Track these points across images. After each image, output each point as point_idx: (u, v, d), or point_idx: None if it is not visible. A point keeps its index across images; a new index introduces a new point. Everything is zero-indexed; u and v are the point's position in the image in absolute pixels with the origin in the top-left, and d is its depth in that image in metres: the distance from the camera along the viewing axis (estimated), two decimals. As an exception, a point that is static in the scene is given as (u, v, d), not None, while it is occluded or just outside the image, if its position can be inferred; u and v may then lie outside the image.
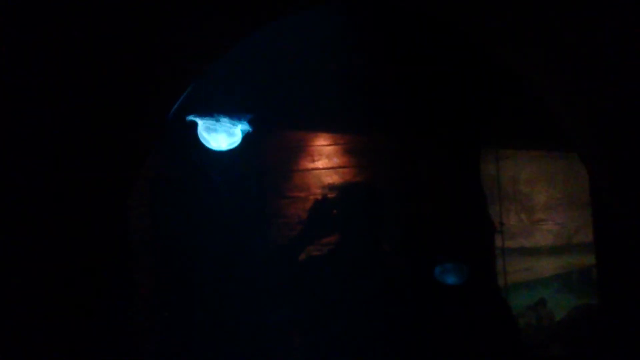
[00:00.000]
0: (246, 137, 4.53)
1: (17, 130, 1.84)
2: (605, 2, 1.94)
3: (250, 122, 3.94)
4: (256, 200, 4.63)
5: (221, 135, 3.90)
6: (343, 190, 4.68)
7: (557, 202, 5.54)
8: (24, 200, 1.89)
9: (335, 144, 4.65)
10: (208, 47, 2.44)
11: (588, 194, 4.36)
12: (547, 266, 5.38)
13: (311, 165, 4.66)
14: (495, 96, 4.63)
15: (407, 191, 4.66)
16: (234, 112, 3.93)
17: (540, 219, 5.57)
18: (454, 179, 4.73)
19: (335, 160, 4.66)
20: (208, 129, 3.85)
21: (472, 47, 4.32)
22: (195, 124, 3.87)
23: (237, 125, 3.90)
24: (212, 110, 3.87)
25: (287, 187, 4.65)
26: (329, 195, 4.65)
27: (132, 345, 4.25)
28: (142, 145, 2.42)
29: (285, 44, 4.20)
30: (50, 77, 1.87)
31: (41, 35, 1.81)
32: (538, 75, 2.44)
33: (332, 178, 4.65)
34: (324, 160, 4.66)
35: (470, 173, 4.84)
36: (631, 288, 2.50)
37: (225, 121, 3.84)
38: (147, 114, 2.38)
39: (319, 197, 4.64)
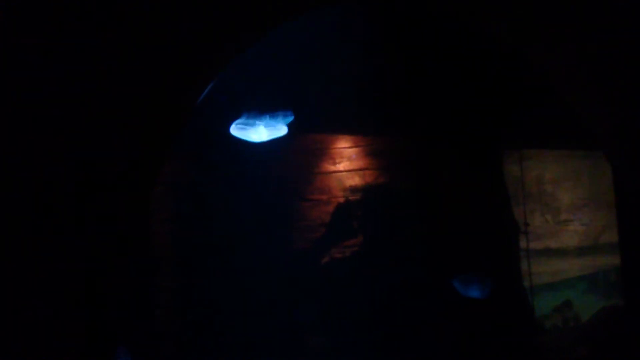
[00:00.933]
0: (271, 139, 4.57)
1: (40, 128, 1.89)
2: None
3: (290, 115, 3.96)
4: (278, 203, 4.66)
5: (261, 128, 3.94)
6: (364, 192, 4.68)
7: (583, 202, 5.47)
8: (44, 196, 1.94)
9: (356, 146, 4.65)
10: (231, 40, 2.44)
11: (614, 194, 4.30)
12: (573, 267, 5.32)
13: (332, 168, 4.68)
14: (517, 96, 4.58)
15: (429, 192, 4.64)
16: (272, 108, 3.96)
17: (565, 220, 5.50)
18: (475, 179, 4.69)
19: (357, 163, 4.66)
20: (248, 123, 3.90)
21: (493, 48, 4.30)
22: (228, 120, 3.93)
23: (278, 118, 3.93)
24: (246, 108, 3.92)
25: (308, 190, 4.67)
26: (351, 199, 4.66)
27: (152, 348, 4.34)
28: (165, 136, 2.43)
29: (307, 48, 4.22)
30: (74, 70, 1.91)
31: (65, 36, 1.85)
32: (564, 73, 2.41)
33: (353, 180, 4.66)
34: (346, 162, 4.67)
35: (492, 173, 4.79)
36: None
37: (265, 115, 3.88)
38: (169, 104, 2.39)
39: (341, 200, 4.65)
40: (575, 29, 2.16)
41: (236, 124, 3.93)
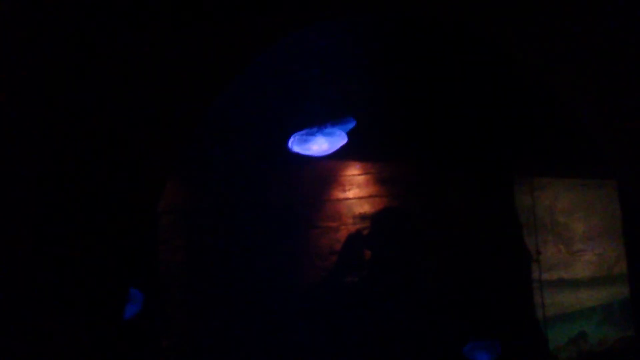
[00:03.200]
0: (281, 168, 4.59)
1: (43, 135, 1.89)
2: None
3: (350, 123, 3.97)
4: (287, 231, 4.65)
5: (320, 139, 3.95)
6: (375, 220, 4.66)
7: (596, 231, 5.40)
8: (48, 214, 1.94)
9: (366, 173, 4.65)
10: (239, 50, 2.45)
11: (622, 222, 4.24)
12: (588, 298, 5.22)
13: (342, 195, 4.67)
14: (529, 124, 4.57)
15: (440, 220, 4.61)
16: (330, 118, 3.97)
17: (579, 250, 5.42)
18: (487, 208, 4.66)
19: (367, 190, 4.66)
20: (306, 137, 3.91)
21: (507, 74, 4.32)
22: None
23: (337, 128, 3.94)
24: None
25: (318, 217, 4.66)
26: (362, 228, 4.64)
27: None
28: (171, 148, 2.43)
29: (316, 73, 4.26)
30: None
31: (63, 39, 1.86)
32: (579, 99, 2.41)
33: (363, 208, 4.64)
34: (355, 189, 4.66)
35: (504, 202, 4.76)
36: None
37: (324, 127, 3.89)
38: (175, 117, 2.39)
39: (351, 227, 4.63)
40: (595, 55, 2.17)
41: (295, 137, 3.91)
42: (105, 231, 2.16)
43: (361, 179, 4.68)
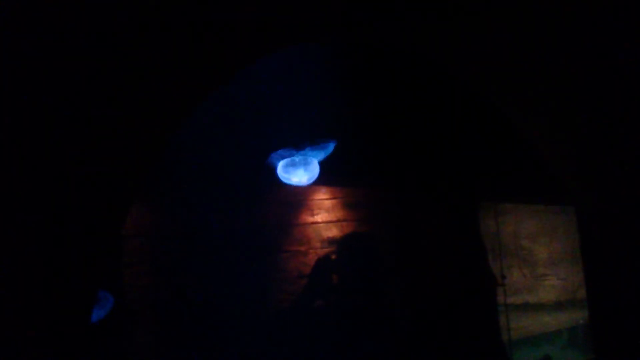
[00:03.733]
0: (249, 191, 4.61)
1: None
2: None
3: (328, 147, 3.99)
4: (255, 255, 4.64)
5: (300, 170, 3.97)
6: (342, 244, 4.69)
7: (560, 256, 5.51)
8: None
9: (334, 197, 4.69)
10: (217, 68, 2.47)
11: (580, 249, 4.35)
12: (552, 322, 5.31)
13: (311, 219, 4.69)
14: (493, 151, 4.68)
15: (406, 245, 4.66)
16: (310, 142, 3.99)
17: (543, 274, 5.52)
18: (453, 232, 4.73)
19: (335, 214, 4.69)
20: (288, 166, 3.93)
21: (470, 103, 4.43)
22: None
23: (314, 158, 3.96)
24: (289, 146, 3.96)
25: (287, 241, 4.66)
26: (330, 252, 4.66)
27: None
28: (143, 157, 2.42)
29: (286, 97, 4.31)
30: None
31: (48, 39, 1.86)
32: (536, 131, 2.49)
33: (331, 232, 4.67)
34: (324, 214, 4.69)
35: (469, 227, 4.84)
36: (627, 343, 2.47)
37: (303, 154, 3.91)
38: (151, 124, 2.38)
39: (319, 251, 4.64)
40: (556, 92, 2.25)
41: (282, 167, 3.91)
42: (68, 253, 2.14)
43: (329, 203, 4.71)
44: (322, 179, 4.67)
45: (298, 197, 4.70)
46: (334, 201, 4.69)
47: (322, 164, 4.46)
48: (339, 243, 4.68)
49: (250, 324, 4.40)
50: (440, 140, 4.68)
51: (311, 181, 4.04)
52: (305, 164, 3.98)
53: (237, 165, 4.46)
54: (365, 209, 4.68)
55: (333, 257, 4.64)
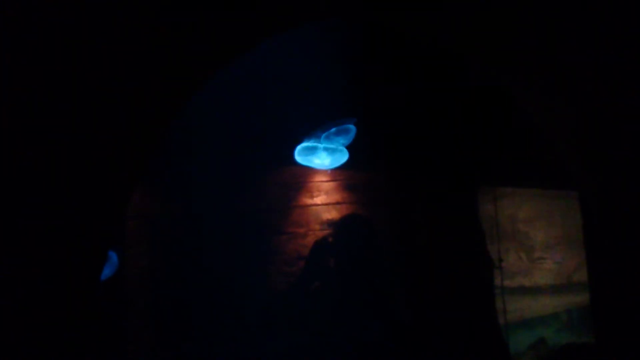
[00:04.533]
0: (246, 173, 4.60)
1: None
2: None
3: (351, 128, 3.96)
4: (254, 237, 4.64)
5: (323, 154, 3.96)
6: (341, 227, 4.69)
7: (556, 240, 5.55)
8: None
9: (333, 180, 4.68)
10: (211, 54, 2.44)
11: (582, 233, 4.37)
12: (548, 305, 5.36)
13: (310, 201, 4.69)
14: (493, 135, 4.68)
15: (405, 228, 4.67)
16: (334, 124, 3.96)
17: (539, 258, 5.56)
18: (452, 216, 4.74)
19: (334, 197, 4.68)
20: (309, 150, 3.91)
21: (472, 86, 4.42)
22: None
23: (338, 142, 3.94)
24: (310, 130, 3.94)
25: (286, 223, 4.66)
26: (329, 235, 4.66)
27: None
28: (140, 150, 2.40)
29: (288, 79, 4.28)
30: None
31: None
32: (545, 114, 2.48)
33: (330, 214, 4.67)
34: (323, 196, 4.69)
35: (468, 210, 4.85)
36: (627, 327, 2.49)
37: (327, 139, 3.88)
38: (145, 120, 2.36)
39: (319, 234, 4.65)
40: (561, 72, 2.24)
41: (299, 148, 3.87)
42: (70, 236, 2.13)
43: (329, 185, 4.70)
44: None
45: (297, 179, 4.69)
46: (333, 183, 4.68)
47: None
48: (336, 225, 4.68)
49: (249, 306, 4.41)
50: (441, 124, 4.67)
51: (336, 165, 4.02)
52: (330, 148, 3.97)
53: (237, 147, 4.44)
54: (364, 191, 4.68)
55: (330, 239, 4.64)
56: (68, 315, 2.11)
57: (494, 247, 5.17)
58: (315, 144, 3.89)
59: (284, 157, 4.53)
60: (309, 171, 4.67)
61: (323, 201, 4.67)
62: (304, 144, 3.89)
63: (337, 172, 4.70)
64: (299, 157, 3.98)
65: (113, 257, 3.72)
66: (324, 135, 3.90)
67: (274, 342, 4.35)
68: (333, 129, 3.91)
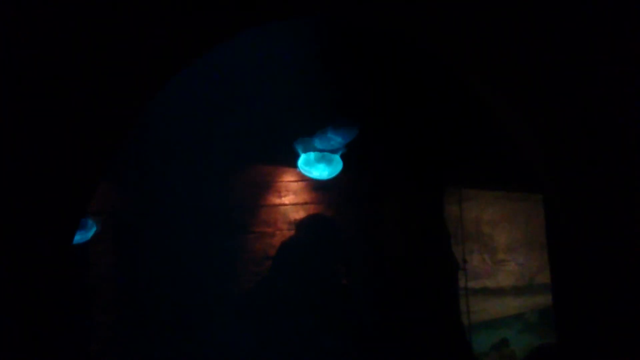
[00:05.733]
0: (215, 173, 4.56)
1: None
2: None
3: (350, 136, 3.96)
4: (221, 236, 4.60)
5: (322, 166, 3.96)
6: (304, 227, 4.69)
7: (519, 243, 5.64)
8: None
9: (302, 180, 4.68)
10: (179, 49, 2.41)
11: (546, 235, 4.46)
12: (510, 306, 5.44)
13: (278, 201, 4.68)
14: (459, 137, 4.74)
15: (372, 229, 4.70)
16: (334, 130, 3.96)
17: (502, 260, 5.65)
18: (418, 217, 4.79)
19: (302, 197, 4.68)
20: (309, 161, 3.91)
21: (439, 90, 4.47)
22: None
23: (337, 153, 3.95)
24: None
25: (253, 222, 4.64)
26: (295, 235, 4.66)
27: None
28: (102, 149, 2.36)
29: (256, 78, 4.26)
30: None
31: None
32: (514, 117, 2.52)
33: (298, 214, 4.67)
34: (291, 196, 4.68)
35: (434, 212, 4.91)
36: (588, 327, 2.55)
37: (325, 148, 3.89)
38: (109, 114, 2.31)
39: (286, 234, 4.64)
40: (532, 73, 2.27)
41: (302, 159, 3.90)
42: (32, 229, 2.09)
43: (297, 185, 4.70)
44: (291, 161, 4.66)
45: (266, 178, 4.67)
46: (301, 183, 4.68)
47: (289, 145, 4.41)
48: (299, 225, 4.68)
49: (215, 304, 4.38)
50: (408, 127, 4.71)
51: (332, 176, 4.04)
52: (327, 159, 3.99)
53: (205, 145, 4.40)
54: (332, 192, 4.69)
55: (298, 239, 4.65)
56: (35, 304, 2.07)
57: (459, 248, 5.23)
58: (316, 155, 3.92)
59: (253, 156, 4.52)
60: (277, 170, 4.67)
61: (291, 201, 4.67)
62: (307, 156, 3.91)
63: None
64: (302, 169, 3.99)
65: (88, 222, 3.75)
66: (324, 138, 3.92)
67: (241, 340, 4.33)
68: (333, 133, 3.93)
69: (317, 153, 3.96)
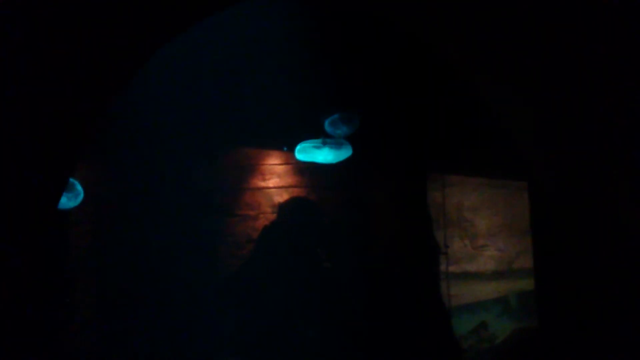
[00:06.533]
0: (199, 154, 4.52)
1: None
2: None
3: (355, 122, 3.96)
4: (203, 218, 4.58)
5: (325, 151, 3.97)
6: (289, 209, 4.69)
7: (499, 228, 5.71)
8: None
9: (286, 163, 4.67)
10: (153, 31, 2.37)
11: (527, 222, 4.52)
12: (489, 291, 5.52)
13: (262, 184, 4.66)
14: (444, 123, 4.76)
15: (357, 213, 4.71)
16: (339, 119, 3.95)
17: (482, 245, 5.72)
18: (401, 202, 4.82)
19: (286, 180, 4.67)
20: (313, 147, 3.91)
21: (424, 76, 4.47)
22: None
23: (344, 139, 3.94)
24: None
25: (237, 205, 4.62)
26: (278, 217, 4.65)
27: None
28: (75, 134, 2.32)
29: (241, 60, 4.22)
30: None
31: None
32: (507, 105, 2.53)
33: (282, 197, 4.66)
34: (275, 179, 4.67)
35: (416, 197, 4.94)
36: (568, 311, 2.60)
37: (332, 139, 3.89)
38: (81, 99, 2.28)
39: (270, 217, 4.63)
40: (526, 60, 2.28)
41: (302, 146, 3.90)
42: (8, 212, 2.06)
43: (281, 168, 4.68)
44: (275, 144, 4.65)
45: (250, 160, 4.65)
46: (286, 167, 4.67)
47: (274, 127, 4.40)
48: (285, 208, 4.68)
49: (197, 287, 4.36)
50: (394, 112, 4.71)
51: (338, 160, 4.06)
52: (334, 144, 4.00)
53: (190, 127, 4.35)
54: (317, 175, 4.69)
55: (281, 222, 4.64)
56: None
57: (440, 233, 5.28)
58: (317, 144, 3.92)
59: (237, 137, 4.48)
60: (261, 153, 4.65)
61: (275, 184, 4.65)
62: (306, 144, 3.90)
63: (290, 156, 4.69)
64: (300, 155, 3.98)
65: (76, 185, 3.76)
66: (328, 123, 3.91)
67: (223, 323, 4.33)
68: (337, 118, 3.93)
69: (314, 140, 3.98)
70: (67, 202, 3.85)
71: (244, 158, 4.62)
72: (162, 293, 4.37)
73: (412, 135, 4.75)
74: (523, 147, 2.46)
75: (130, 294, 4.38)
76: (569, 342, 2.68)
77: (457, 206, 5.73)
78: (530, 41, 2.17)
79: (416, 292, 4.67)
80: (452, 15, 2.31)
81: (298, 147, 4.01)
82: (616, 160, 2.17)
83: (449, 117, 4.64)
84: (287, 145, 4.59)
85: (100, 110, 2.40)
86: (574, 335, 2.57)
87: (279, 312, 4.41)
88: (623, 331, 2.14)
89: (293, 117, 4.26)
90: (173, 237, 4.40)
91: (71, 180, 3.79)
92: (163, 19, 2.32)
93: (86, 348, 4.30)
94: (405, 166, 4.83)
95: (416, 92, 4.66)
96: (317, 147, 4.01)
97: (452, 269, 5.28)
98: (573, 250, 2.42)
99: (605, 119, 2.15)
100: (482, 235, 5.80)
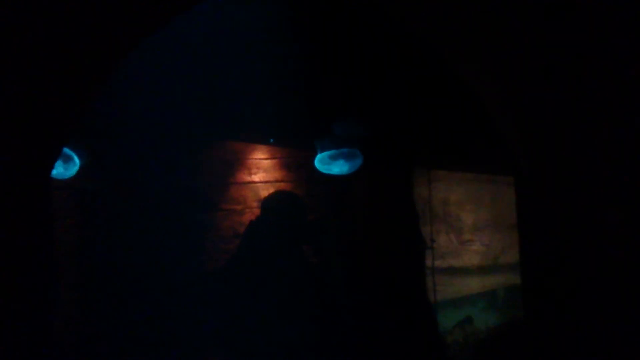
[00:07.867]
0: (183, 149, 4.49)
1: None
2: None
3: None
4: (189, 213, 4.55)
5: (341, 162, 3.98)
6: (274, 204, 4.68)
7: (484, 223, 5.74)
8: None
9: (273, 157, 4.65)
10: (134, 25, 2.34)
11: (513, 217, 4.53)
12: (474, 285, 5.55)
13: (248, 179, 4.64)
14: (431, 118, 4.76)
15: (344, 208, 4.71)
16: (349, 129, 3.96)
17: (468, 240, 5.74)
18: (387, 197, 4.82)
19: (273, 175, 4.65)
20: (326, 159, 3.91)
21: (412, 71, 4.46)
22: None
23: (355, 150, 3.96)
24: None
25: (223, 199, 4.60)
26: (263, 212, 4.63)
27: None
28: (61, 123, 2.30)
29: (226, 53, 4.18)
30: None
31: None
32: (495, 99, 2.53)
33: (268, 192, 4.64)
34: (262, 173, 4.65)
35: (403, 192, 4.95)
36: (554, 306, 2.61)
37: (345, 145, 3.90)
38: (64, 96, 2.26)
39: (256, 212, 4.61)
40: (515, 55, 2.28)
41: (319, 158, 3.91)
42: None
43: (268, 163, 4.66)
44: (261, 138, 4.62)
45: (236, 155, 4.62)
46: (272, 161, 4.65)
47: (260, 122, 4.38)
48: (270, 203, 4.66)
49: (183, 282, 4.34)
50: (380, 107, 4.71)
51: (353, 170, 4.07)
52: (347, 154, 4.00)
53: (176, 120, 4.32)
54: (303, 170, 4.68)
55: (267, 217, 4.62)
56: None
57: (427, 228, 5.30)
58: (334, 153, 3.94)
59: (223, 132, 4.45)
60: (248, 148, 4.62)
61: (261, 179, 4.63)
62: (325, 153, 3.91)
63: (277, 150, 4.67)
64: (320, 165, 3.99)
65: (74, 156, 3.76)
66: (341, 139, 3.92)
67: (209, 317, 4.31)
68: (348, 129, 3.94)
69: (333, 151, 4.00)
70: (63, 171, 3.89)
71: (230, 152, 4.60)
72: (147, 287, 4.34)
73: (398, 130, 4.75)
74: (509, 142, 2.46)
75: (115, 289, 4.34)
76: (554, 337, 2.69)
77: (443, 201, 5.75)
78: (518, 34, 2.17)
79: (402, 286, 4.68)
80: None
81: (318, 157, 4.03)
82: (601, 154, 2.18)
83: (434, 113, 4.64)
84: (273, 137, 4.58)
85: (83, 103, 2.37)
86: (560, 329, 2.58)
87: (265, 307, 4.40)
88: (608, 324, 2.15)
89: (279, 111, 4.23)
90: (159, 232, 4.37)
91: (68, 151, 3.79)
92: (147, 9, 2.29)
93: (70, 344, 4.25)
94: (392, 162, 4.83)
95: (402, 87, 4.66)
96: (334, 159, 4.02)
97: (438, 263, 5.30)
98: (559, 245, 2.43)
99: (591, 112, 2.16)
100: (468, 230, 5.82)
